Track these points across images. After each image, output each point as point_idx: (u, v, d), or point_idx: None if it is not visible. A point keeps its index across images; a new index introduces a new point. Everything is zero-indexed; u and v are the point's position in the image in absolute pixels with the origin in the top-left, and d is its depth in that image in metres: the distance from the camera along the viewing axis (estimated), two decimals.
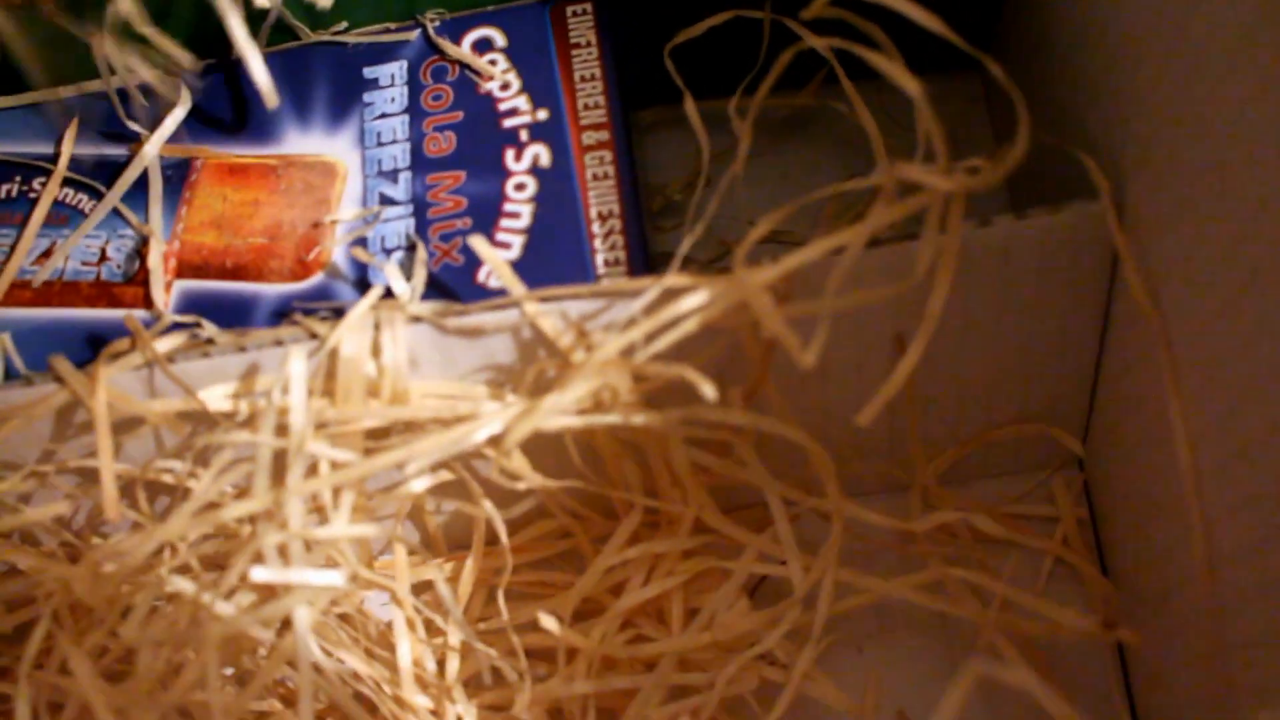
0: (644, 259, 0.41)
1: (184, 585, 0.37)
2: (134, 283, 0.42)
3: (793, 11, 0.44)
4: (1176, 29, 0.32)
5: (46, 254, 0.43)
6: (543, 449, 0.39)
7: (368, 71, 0.45)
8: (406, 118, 0.44)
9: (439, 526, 0.43)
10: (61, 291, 0.42)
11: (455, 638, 0.41)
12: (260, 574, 0.35)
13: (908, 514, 0.42)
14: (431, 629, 0.43)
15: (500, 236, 0.41)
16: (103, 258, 0.42)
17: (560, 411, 0.36)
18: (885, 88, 0.42)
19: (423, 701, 0.40)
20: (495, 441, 0.37)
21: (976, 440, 0.43)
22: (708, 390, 0.34)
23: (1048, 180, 0.41)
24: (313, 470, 0.37)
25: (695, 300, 0.34)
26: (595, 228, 0.41)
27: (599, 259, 0.41)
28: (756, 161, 0.49)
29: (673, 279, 0.35)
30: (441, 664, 0.41)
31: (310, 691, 0.35)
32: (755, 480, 0.39)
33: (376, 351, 0.36)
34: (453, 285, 0.40)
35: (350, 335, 0.36)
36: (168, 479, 0.39)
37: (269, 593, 0.38)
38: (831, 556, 0.39)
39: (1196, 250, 0.32)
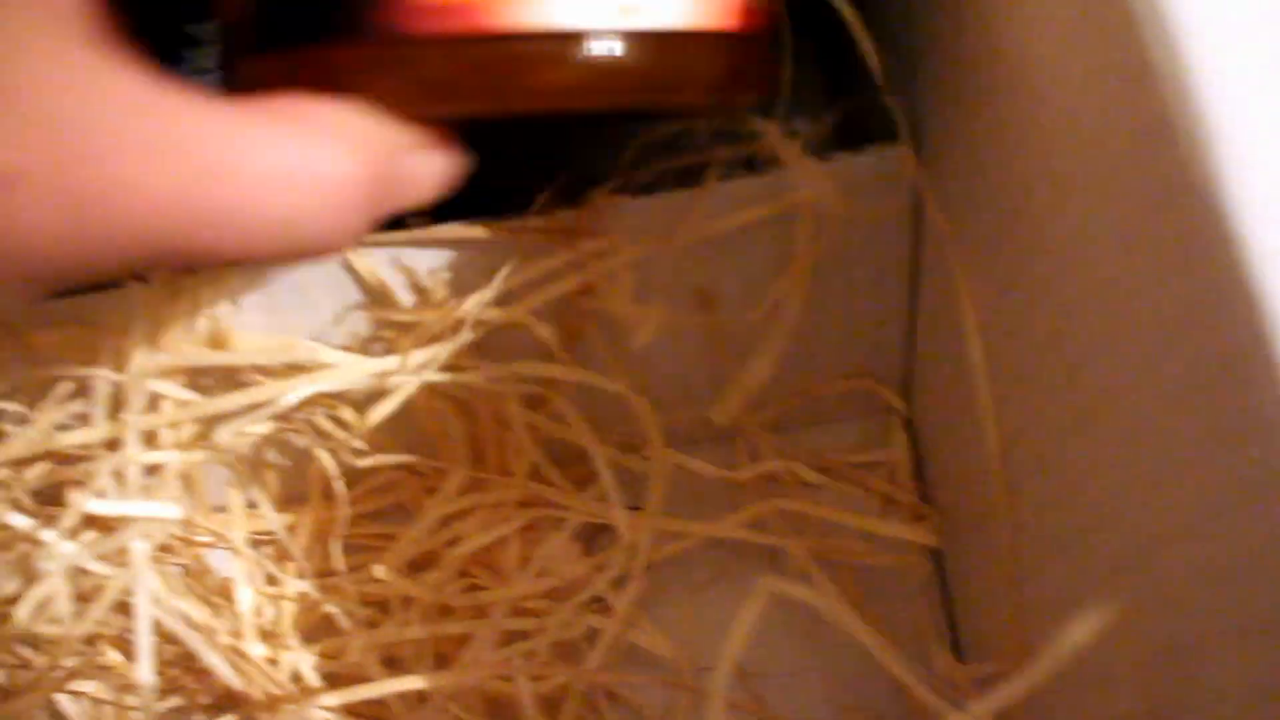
0: None
1: (19, 520, 0.38)
2: None
3: None
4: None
5: None
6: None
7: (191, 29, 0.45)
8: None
9: (273, 480, 0.44)
10: None
11: (293, 588, 0.42)
12: (98, 505, 0.35)
13: (735, 463, 0.44)
14: (268, 582, 0.43)
15: None
16: None
17: (407, 371, 0.37)
18: None
19: (260, 651, 0.41)
20: (333, 400, 0.38)
21: (800, 393, 0.44)
22: (546, 335, 0.35)
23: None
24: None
25: (546, 266, 0.36)
26: None
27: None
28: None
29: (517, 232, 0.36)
30: (279, 612, 0.42)
31: (148, 626, 0.35)
32: (580, 439, 0.40)
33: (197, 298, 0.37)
34: None
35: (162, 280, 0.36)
36: None
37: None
38: (654, 506, 0.40)
39: (984, 185, 0.34)
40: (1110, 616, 0.25)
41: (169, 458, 0.38)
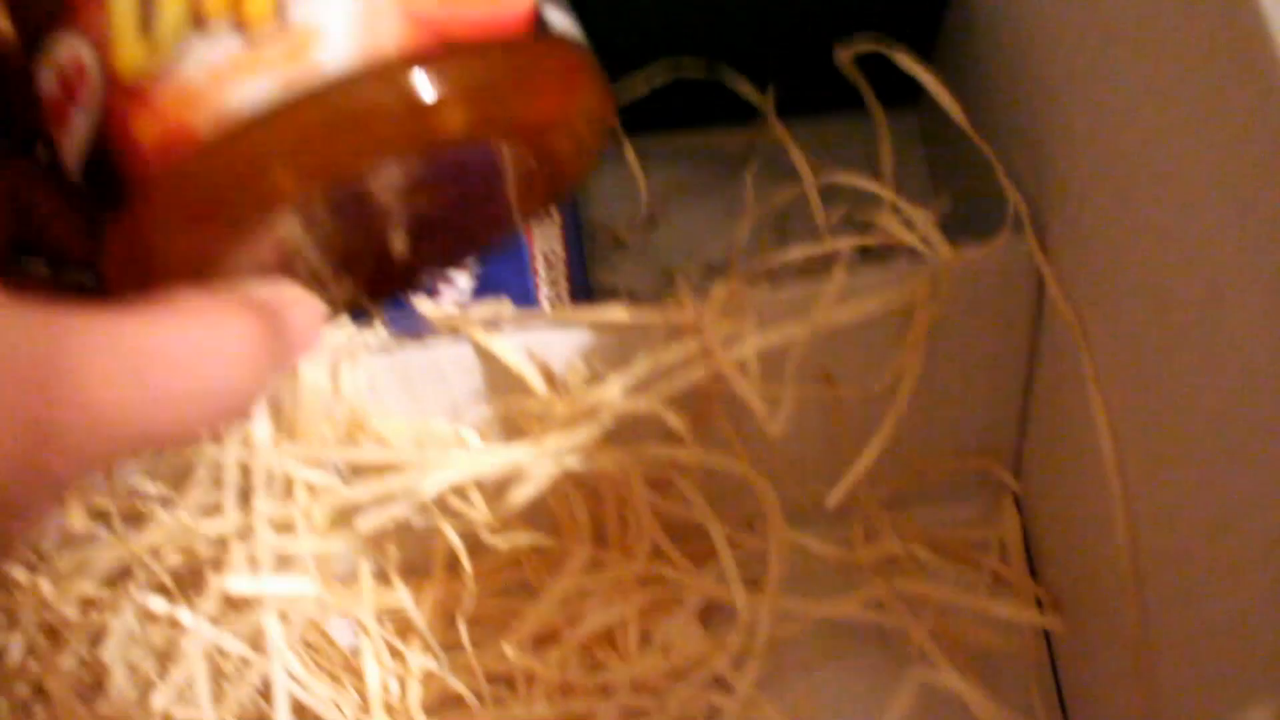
0: (587, 296, 0.43)
1: (158, 603, 0.39)
2: None
3: (728, 53, 0.46)
4: (1090, 81, 0.34)
5: None
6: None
7: None
8: None
9: (396, 553, 0.45)
10: None
11: (417, 663, 0.42)
12: (237, 583, 0.36)
13: (850, 540, 0.44)
14: (392, 654, 0.44)
15: (446, 281, 0.43)
16: None
17: (549, 463, 0.38)
18: (823, 121, 0.45)
19: None
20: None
21: (915, 470, 0.45)
22: (677, 424, 0.36)
23: (970, 216, 0.44)
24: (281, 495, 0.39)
25: (676, 354, 0.37)
26: (539, 266, 0.43)
27: (542, 295, 0.43)
28: (703, 195, 0.51)
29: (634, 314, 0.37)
30: (404, 688, 0.43)
31: (287, 705, 0.36)
32: (700, 517, 0.41)
33: (337, 382, 0.38)
34: (411, 325, 0.42)
35: (311, 365, 0.37)
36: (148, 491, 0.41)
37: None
38: (772, 587, 0.41)
39: (1111, 277, 0.34)
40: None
41: (304, 546, 0.39)
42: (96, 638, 0.41)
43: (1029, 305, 0.40)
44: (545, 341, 0.38)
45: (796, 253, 0.38)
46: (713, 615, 0.45)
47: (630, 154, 0.45)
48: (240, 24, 0.24)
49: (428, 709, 0.43)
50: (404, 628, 0.44)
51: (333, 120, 0.24)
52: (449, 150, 0.27)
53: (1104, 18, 0.33)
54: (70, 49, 0.25)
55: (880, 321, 0.39)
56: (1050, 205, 0.38)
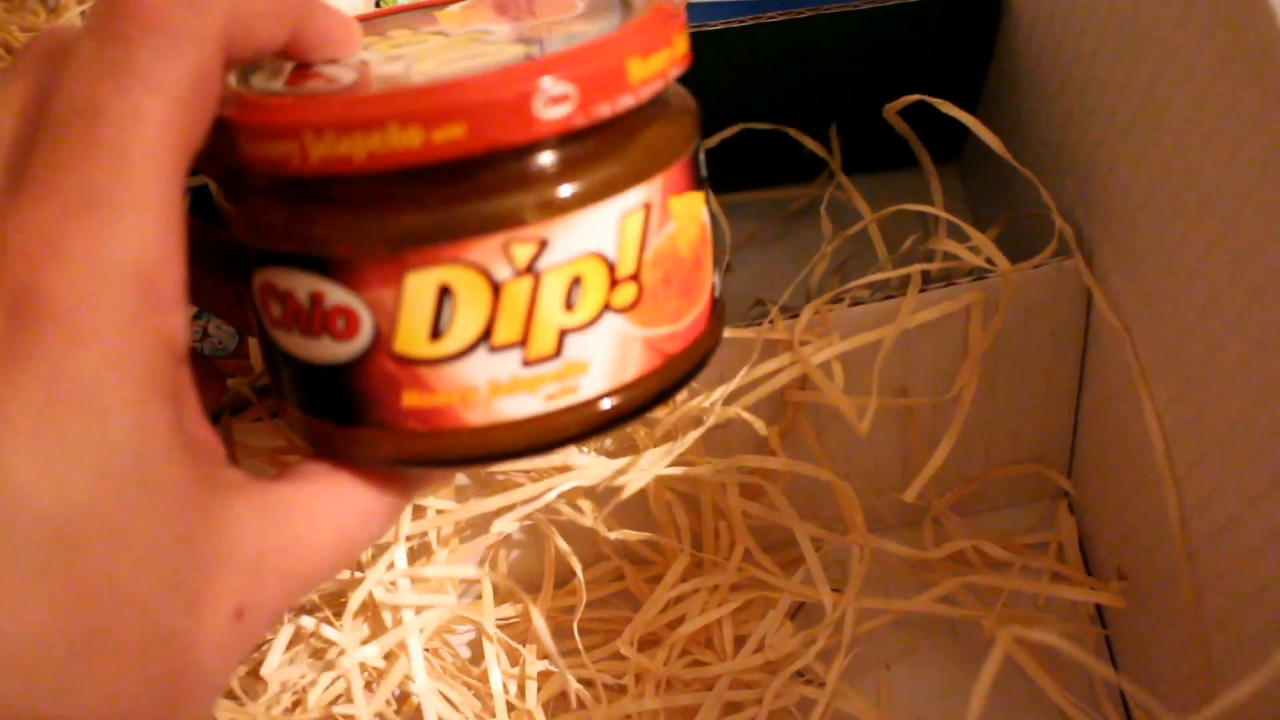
0: None
1: (308, 620, 0.43)
2: (237, 356, 0.48)
3: (793, 117, 0.52)
4: (1132, 115, 0.39)
5: None
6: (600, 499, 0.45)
7: None
8: None
9: (508, 570, 0.49)
10: None
11: (534, 666, 0.46)
12: (389, 598, 0.41)
13: (922, 542, 0.49)
14: (511, 660, 0.48)
15: None
16: (205, 335, 0.48)
17: (656, 466, 0.42)
18: (877, 179, 0.50)
19: None
20: (575, 492, 0.44)
21: (979, 477, 0.49)
22: (762, 430, 0.40)
23: (1016, 254, 0.49)
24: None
25: (768, 367, 0.41)
26: None
27: None
28: (773, 244, 0.57)
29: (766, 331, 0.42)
30: (521, 690, 0.47)
31: (433, 702, 0.40)
32: (790, 522, 0.45)
33: None
34: None
35: None
36: None
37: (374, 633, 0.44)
38: (855, 586, 0.45)
39: (1156, 291, 0.39)
40: None
41: (439, 571, 0.43)
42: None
43: (1078, 320, 0.45)
44: None
45: (872, 278, 0.43)
46: (801, 615, 0.49)
47: (718, 209, 0.50)
48: (525, 354, 0.28)
49: (546, 709, 0.47)
50: (518, 637, 0.48)
51: (576, 426, 0.29)
52: None
53: (1146, 60, 0.38)
54: (340, 297, 0.28)
55: (947, 341, 0.44)
56: (1097, 231, 0.43)
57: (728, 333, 0.42)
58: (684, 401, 0.42)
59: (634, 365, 0.29)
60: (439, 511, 0.44)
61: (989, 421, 0.47)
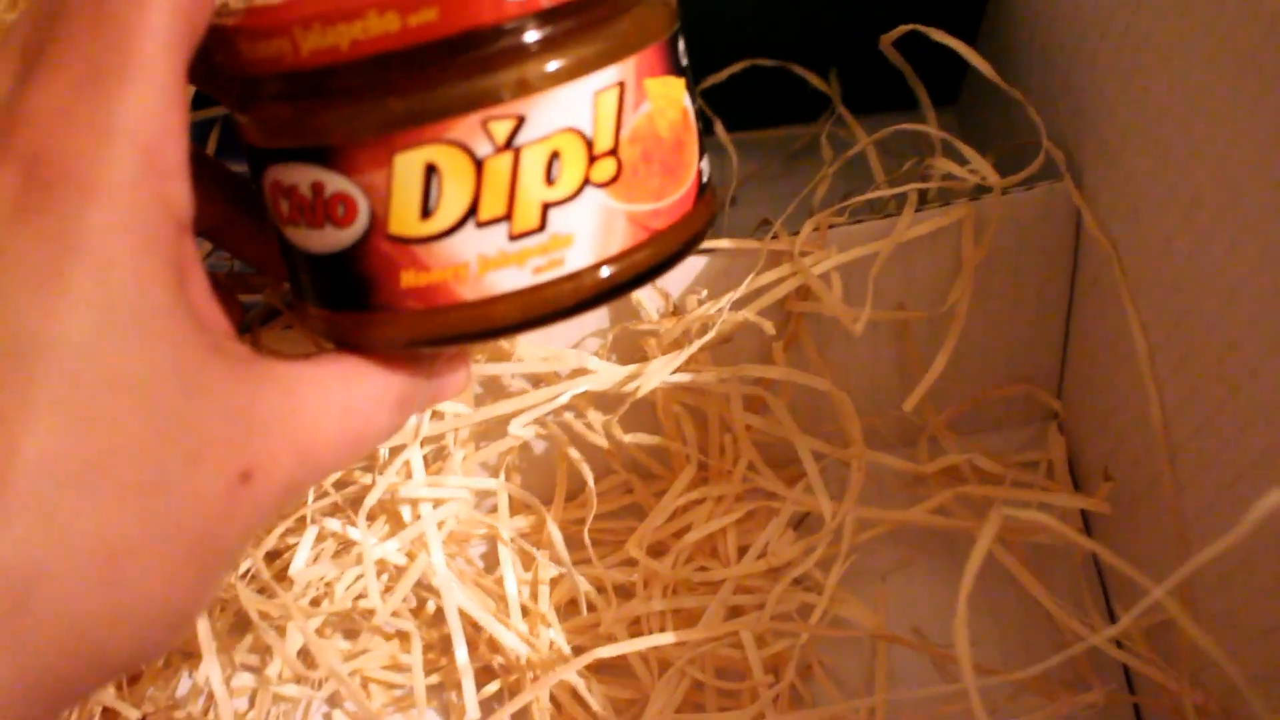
0: None
1: (334, 524, 0.45)
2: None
3: (798, 57, 0.54)
4: (1120, 48, 0.41)
5: None
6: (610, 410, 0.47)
7: None
8: None
9: (518, 484, 0.51)
10: None
11: (547, 571, 0.49)
12: (407, 489, 0.43)
13: (918, 457, 0.51)
14: (525, 568, 0.50)
15: None
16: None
17: (663, 372, 0.44)
18: (880, 121, 0.52)
19: (520, 626, 0.48)
20: (587, 401, 0.46)
21: (974, 397, 0.51)
22: (770, 329, 0.43)
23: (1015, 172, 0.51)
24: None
25: (770, 276, 0.43)
26: None
27: None
28: (778, 180, 0.59)
29: (756, 244, 0.44)
30: (534, 594, 0.49)
31: (455, 605, 0.43)
32: (789, 435, 0.47)
33: None
34: None
35: None
36: None
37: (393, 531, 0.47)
38: (853, 496, 0.47)
39: (1142, 204, 0.41)
40: None
41: (457, 481, 0.46)
42: (276, 554, 0.48)
43: (1069, 241, 0.47)
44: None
45: (870, 195, 0.45)
46: (802, 527, 0.52)
47: (727, 140, 0.53)
48: (511, 228, 0.30)
49: (558, 610, 0.49)
50: (538, 543, 0.50)
51: (566, 298, 0.31)
52: None
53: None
54: (338, 184, 0.31)
55: (943, 258, 0.46)
56: (1086, 156, 0.45)
57: (733, 244, 0.44)
58: (691, 309, 0.45)
59: (619, 238, 0.32)
60: (456, 416, 0.46)
61: (983, 340, 0.49)
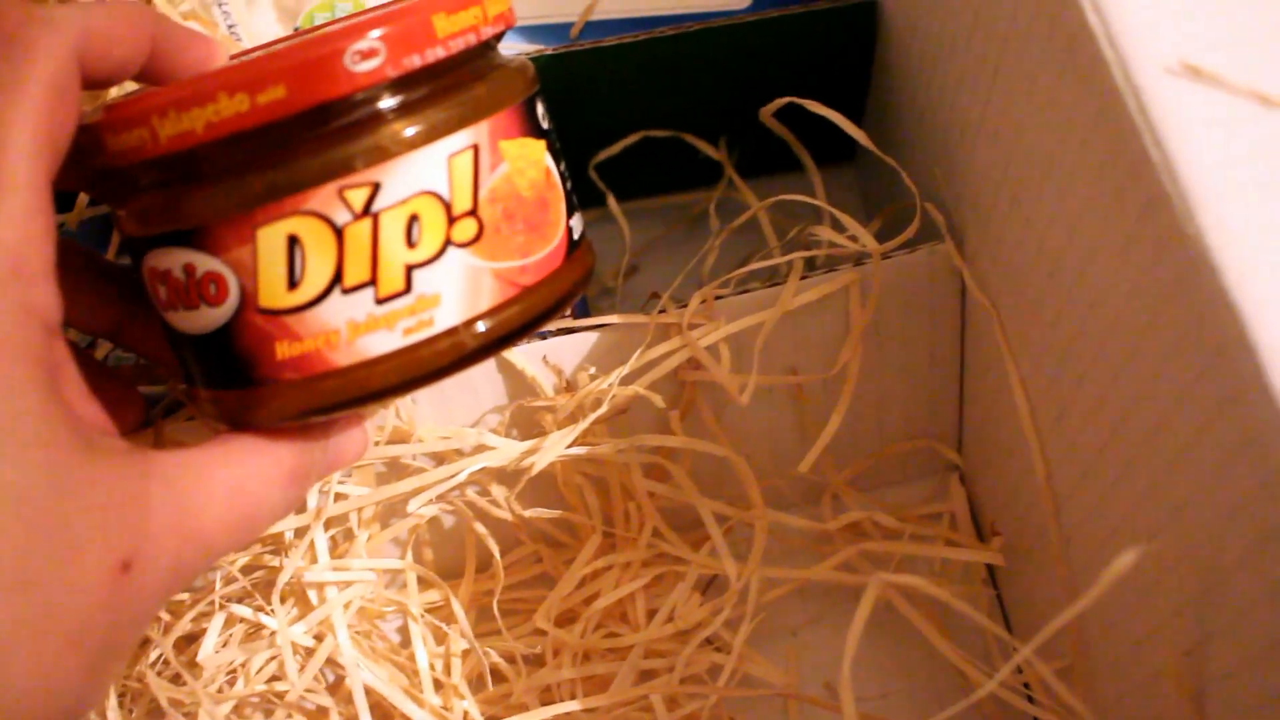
0: None
1: (242, 609, 0.46)
2: None
3: (692, 125, 0.55)
4: (983, 107, 0.42)
5: None
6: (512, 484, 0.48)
7: None
8: None
9: (430, 559, 0.52)
10: None
11: (458, 645, 0.49)
12: (311, 573, 0.44)
13: (821, 516, 0.52)
14: (437, 642, 0.51)
15: None
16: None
17: (560, 445, 0.45)
18: (777, 183, 0.53)
19: (435, 700, 0.48)
20: (489, 476, 0.47)
21: (874, 454, 0.53)
22: (661, 403, 0.43)
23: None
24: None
25: (660, 350, 0.45)
26: None
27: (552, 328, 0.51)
28: (675, 247, 0.60)
29: (654, 318, 0.45)
30: (447, 668, 0.49)
31: (360, 683, 0.43)
32: (692, 499, 0.48)
33: None
34: None
35: None
36: None
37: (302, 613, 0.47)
38: (756, 557, 0.48)
39: (1014, 266, 0.42)
40: (1150, 550, 0.33)
41: (363, 563, 0.46)
42: (191, 637, 0.48)
43: (954, 301, 0.48)
44: (557, 348, 0.46)
45: (755, 265, 0.46)
46: (709, 586, 0.52)
47: (618, 211, 0.54)
48: (377, 291, 0.31)
49: (470, 682, 0.50)
50: (444, 619, 0.51)
51: (441, 357, 0.32)
52: None
53: (1000, 68, 0.41)
54: (207, 265, 0.32)
55: (832, 324, 0.47)
56: (964, 216, 0.46)
57: (621, 319, 0.45)
58: (584, 385, 0.45)
59: (487, 296, 0.33)
60: (358, 497, 0.47)
61: (879, 400, 0.51)
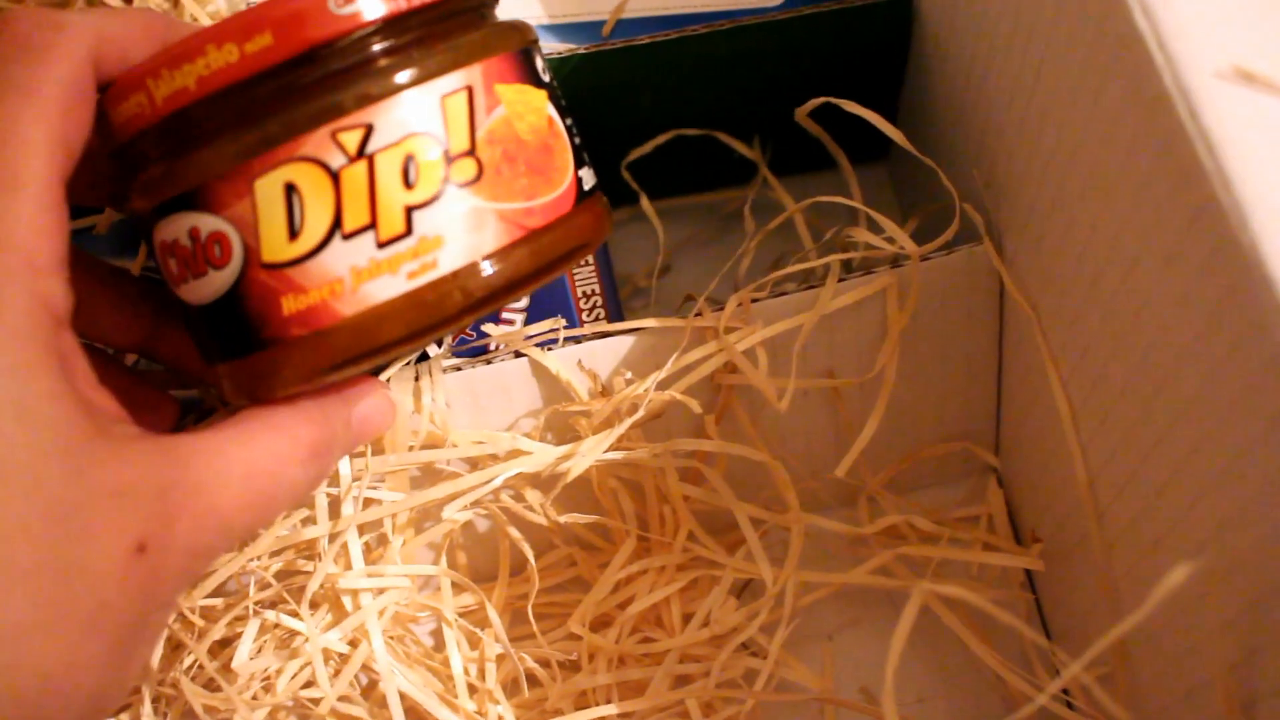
0: None
1: (270, 615, 0.46)
2: None
3: (724, 126, 0.55)
4: (1024, 106, 0.42)
5: None
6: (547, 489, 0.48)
7: None
8: None
9: (464, 563, 0.52)
10: None
11: (493, 649, 0.49)
12: (346, 580, 0.43)
13: (857, 519, 0.51)
14: (471, 647, 0.51)
15: (505, 315, 0.50)
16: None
17: (596, 451, 0.45)
18: (810, 182, 0.53)
19: (468, 705, 0.48)
20: (523, 481, 0.46)
21: (910, 456, 0.52)
22: (697, 408, 0.43)
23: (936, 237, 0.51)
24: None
25: (696, 354, 0.44)
26: (581, 303, 0.51)
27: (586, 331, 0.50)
28: (708, 246, 0.60)
29: (684, 321, 0.45)
30: (481, 673, 0.49)
31: (395, 688, 0.43)
32: (727, 503, 0.48)
33: (419, 400, 0.45)
34: (478, 347, 0.49)
35: (396, 384, 0.45)
36: None
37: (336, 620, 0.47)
38: (793, 561, 0.48)
39: (1055, 269, 0.42)
40: (1199, 567, 0.33)
41: (398, 569, 0.46)
42: (225, 642, 0.48)
43: (993, 303, 0.47)
44: (591, 352, 0.45)
45: (792, 268, 0.46)
46: (744, 590, 0.52)
47: (651, 211, 0.53)
48: (378, 235, 0.31)
49: (504, 687, 0.49)
50: (478, 623, 0.51)
51: (449, 301, 0.32)
52: None
53: (1043, 70, 0.40)
54: (210, 225, 0.32)
55: (869, 326, 0.47)
56: (1003, 218, 0.46)
57: (658, 323, 0.45)
58: (619, 389, 0.45)
59: (491, 236, 0.32)
60: (392, 503, 0.47)
61: (915, 402, 0.50)
